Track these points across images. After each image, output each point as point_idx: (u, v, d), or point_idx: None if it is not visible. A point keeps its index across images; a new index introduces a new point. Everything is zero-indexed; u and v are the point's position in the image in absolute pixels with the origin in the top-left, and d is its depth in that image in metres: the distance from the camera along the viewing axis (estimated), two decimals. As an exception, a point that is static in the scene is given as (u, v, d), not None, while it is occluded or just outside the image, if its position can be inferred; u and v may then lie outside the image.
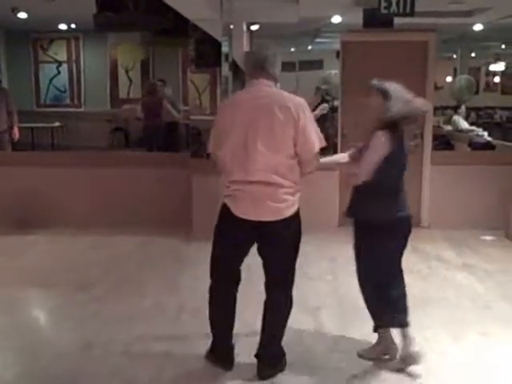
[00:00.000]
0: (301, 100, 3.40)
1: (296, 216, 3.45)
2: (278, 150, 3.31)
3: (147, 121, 9.68)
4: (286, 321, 3.56)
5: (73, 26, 12.04)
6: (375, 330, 3.82)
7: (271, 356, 3.58)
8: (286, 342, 3.75)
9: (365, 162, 3.53)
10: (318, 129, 3.48)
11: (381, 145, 3.50)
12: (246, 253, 3.56)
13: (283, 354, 3.63)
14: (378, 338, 3.80)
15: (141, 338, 4.07)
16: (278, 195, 3.34)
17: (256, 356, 3.58)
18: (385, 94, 3.63)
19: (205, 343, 3.86)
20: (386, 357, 3.76)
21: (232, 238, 3.51)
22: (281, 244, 3.46)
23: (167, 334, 4.14)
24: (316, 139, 3.41)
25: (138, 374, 3.59)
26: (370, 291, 3.72)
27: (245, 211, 3.38)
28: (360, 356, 3.80)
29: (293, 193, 3.40)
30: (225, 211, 3.47)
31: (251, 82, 3.45)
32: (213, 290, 3.60)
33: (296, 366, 3.66)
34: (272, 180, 3.32)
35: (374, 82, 3.70)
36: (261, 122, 3.30)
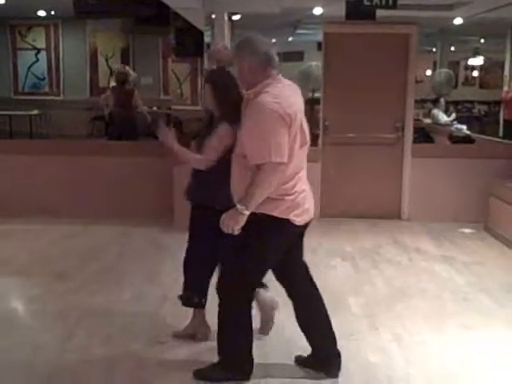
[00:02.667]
0: None
1: None
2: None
3: (116, 110, 9.42)
4: None
5: (52, 12, 11.87)
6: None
7: None
8: (270, 333, 3.83)
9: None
10: None
11: None
12: None
13: None
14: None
15: (122, 329, 4.04)
16: None
17: (336, 355, 3.49)
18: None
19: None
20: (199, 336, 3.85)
21: (281, 253, 3.29)
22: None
23: (148, 326, 4.11)
24: None
25: (118, 367, 3.56)
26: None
27: (307, 214, 3.23)
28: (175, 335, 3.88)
29: None
30: (281, 226, 3.14)
31: (271, 78, 3.08)
32: (245, 312, 3.31)
33: (279, 357, 3.66)
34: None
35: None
36: (300, 120, 3.12)
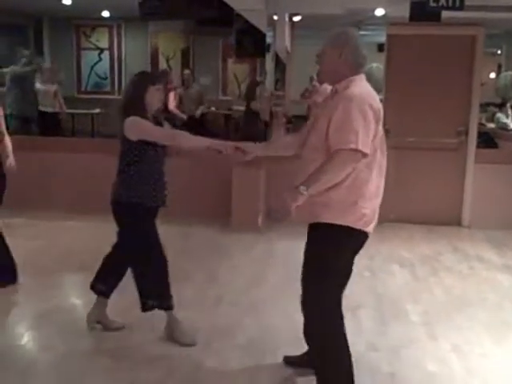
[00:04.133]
0: None
1: None
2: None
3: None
4: None
5: (115, 13, 12.11)
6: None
7: None
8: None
9: None
10: None
11: None
12: None
13: None
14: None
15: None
16: None
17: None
18: None
19: (243, 335, 3.91)
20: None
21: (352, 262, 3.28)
22: None
23: (206, 325, 4.14)
24: None
25: (178, 363, 3.61)
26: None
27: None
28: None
29: None
30: (358, 237, 3.07)
31: (360, 77, 3.05)
32: (338, 327, 3.15)
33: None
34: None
35: None
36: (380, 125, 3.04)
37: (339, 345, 3.11)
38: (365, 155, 2.84)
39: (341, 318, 3.14)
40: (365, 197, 2.97)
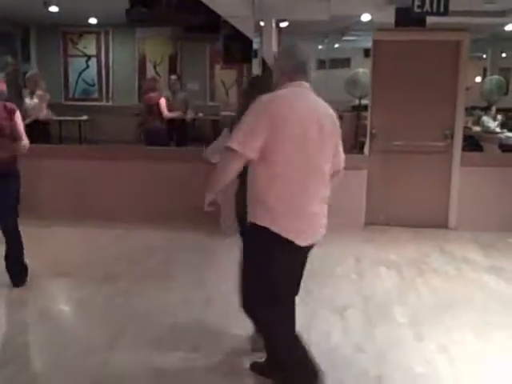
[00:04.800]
0: None
1: None
2: (328, 161, 3.05)
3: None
4: None
5: (102, 20, 12.12)
6: None
7: None
8: (315, 342, 3.74)
9: None
10: None
11: None
12: None
13: None
14: None
15: (169, 331, 4.09)
16: (325, 211, 3.10)
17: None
18: None
19: (232, 337, 3.93)
20: None
21: (293, 272, 3.15)
22: None
23: (195, 328, 4.15)
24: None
25: (167, 367, 3.62)
26: None
27: (306, 236, 3.01)
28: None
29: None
30: (274, 241, 2.94)
31: (294, 83, 3.02)
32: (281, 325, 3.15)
33: (323, 366, 3.64)
34: (323, 194, 3.07)
35: None
36: (315, 131, 2.94)
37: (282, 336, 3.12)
38: (243, 155, 2.83)
39: (278, 307, 3.10)
40: (284, 204, 2.92)
